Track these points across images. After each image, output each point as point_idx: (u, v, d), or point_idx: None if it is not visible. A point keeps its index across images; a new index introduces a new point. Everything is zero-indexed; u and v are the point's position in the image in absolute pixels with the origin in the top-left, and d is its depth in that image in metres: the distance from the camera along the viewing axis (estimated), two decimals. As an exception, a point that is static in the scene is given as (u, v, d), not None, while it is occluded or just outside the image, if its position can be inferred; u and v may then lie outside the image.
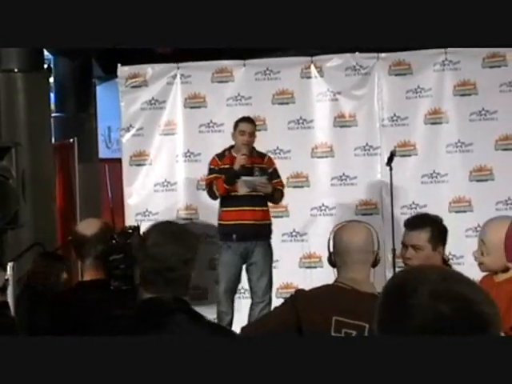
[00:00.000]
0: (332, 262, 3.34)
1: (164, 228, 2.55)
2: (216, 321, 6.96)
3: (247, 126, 6.77)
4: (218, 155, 6.86)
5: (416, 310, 1.29)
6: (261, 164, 6.79)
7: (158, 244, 2.42)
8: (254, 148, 6.86)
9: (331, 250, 3.34)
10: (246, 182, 6.60)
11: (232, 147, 6.83)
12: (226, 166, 6.70)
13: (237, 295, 7.03)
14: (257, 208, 6.71)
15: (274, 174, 6.83)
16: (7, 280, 4.02)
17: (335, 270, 3.35)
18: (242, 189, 6.61)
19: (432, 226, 3.62)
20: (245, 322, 7.10)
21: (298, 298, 3.30)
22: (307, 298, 3.31)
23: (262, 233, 6.73)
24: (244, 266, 6.81)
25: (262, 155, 6.89)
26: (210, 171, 6.81)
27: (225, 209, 6.78)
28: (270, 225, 6.84)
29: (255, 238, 6.70)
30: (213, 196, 6.78)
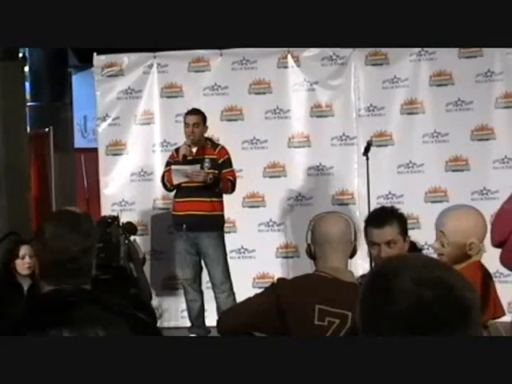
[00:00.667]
0: (310, 254, 3.32)
1: (60, 218, 2.51)
2: (186, 310, 6.98)
3: (190, 117, 6.86)
4: (176, 149, 6.97)
5: (399, 295, 1.30)
6: (212, 155, 6.81)
7: (57, 235, 2.37)
8: (208, 139, 6.93)
9: (309, 241, 3.32)
10: (178, 170, 6.69)
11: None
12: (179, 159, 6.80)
13: (205, 286, 7.04)
14: (206, 199, 6.75)
15: (226, 164, 6.84)
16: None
17: (312, 261, 3.35)
18: (175, 178, 6.69)
19: (398, 218, 3.58)
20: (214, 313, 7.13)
21: (280, 287, 3.28)
22: (289, 286, 3.30)
23: (210, 224, 6.75)
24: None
25: (215, 146, 6.91)
26: (167, 164, 6.93)
27: (176, 200, 6.89)
28: (220, 216, 6.86)
29: (204, 228, 6.73)
30: (166, 188, 6.93)
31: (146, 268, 6.63)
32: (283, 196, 7.65)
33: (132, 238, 5.32)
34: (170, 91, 7.75)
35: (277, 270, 7.48)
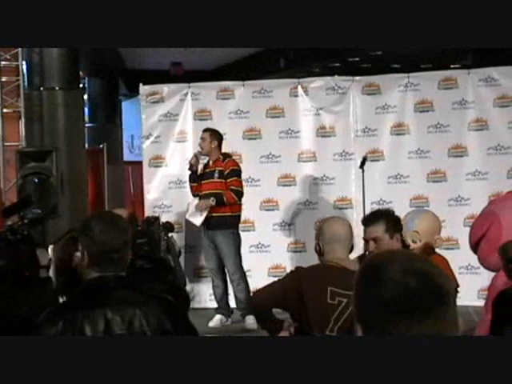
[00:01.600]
0: (319, 250, 3.35)
1: (104, 217, 2.52)
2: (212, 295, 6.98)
3: (203, 134, 6.88)
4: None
5: (390, 284, 1.30)
6: (220, 167, 6.77)
7: (103, 231, 2.38)
8: (222, 154, 6.84)
9: (319, 239, 3.35)
10: (191, 215, 6.76)
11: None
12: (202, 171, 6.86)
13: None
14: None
15: (230, 174, 6.74)
16: (50, 260, 4.01)
17: (320, 256, 3.38)
18: (197, 221, 6.72)
19: (385, 219, 3.52)
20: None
21: (300, 273, 3.35)
22: (307, 272, 3.36)
23: (221, 224, 6.68)
24: None
25: (224, 159, 6.82)
26: (192, 173, 6.94)
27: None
28: (234, 217, 6.75)
29: (215, 228, 6.69)
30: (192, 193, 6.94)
31: (181, 259, 6.66)
32: (293, 201, 7.65)
33: (170, 234, 5.33)
34: (201, 115, 7.76)
35: (288, 262, 7.48)
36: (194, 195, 6.88)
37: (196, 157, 6.82)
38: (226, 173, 6.72)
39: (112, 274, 2.35)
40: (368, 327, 1.33)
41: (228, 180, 6.69)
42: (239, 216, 6.86)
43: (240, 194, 6.73)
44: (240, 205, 6.82)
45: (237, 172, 6.78)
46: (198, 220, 6.71)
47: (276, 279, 6.96)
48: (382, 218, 3.53)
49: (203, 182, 6.75)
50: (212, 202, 6.61)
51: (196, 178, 6.80)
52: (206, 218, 6.66)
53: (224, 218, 6.69)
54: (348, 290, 3.11)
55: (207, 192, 6.68)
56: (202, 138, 6.83)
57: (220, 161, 6.79)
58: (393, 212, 3.70)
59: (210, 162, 6.81)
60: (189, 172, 6.96)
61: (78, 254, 5.00)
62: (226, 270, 6.83)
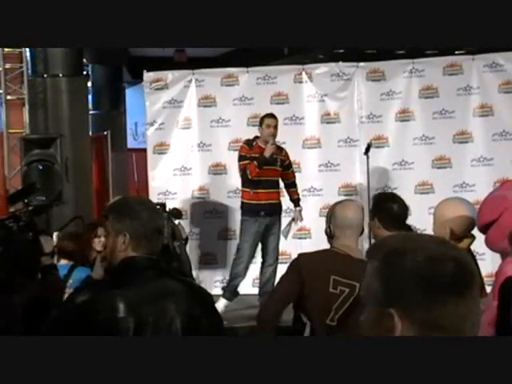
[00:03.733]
0: (330, 233, 3.32)
1: (142, 201, 2.56)
2: (228, 279, 6.94)
3: (272, 120, 6.67)
4: (247, 144, 6.70)
5: (431, 264, 1.27)
6: (280, 155, 6.72)
7: (148, 213, 2.40)
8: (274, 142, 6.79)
9: (331, 223, 3.32)
10: (285, 231, 6.82)
11: (257, 138, 6.72)
12: (256, 155, 6.57)
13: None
14: (277, 190, 6.73)
15: (290, 166, 6.81)
16: (54, 247, 4.01)
17: (330, 239, 3.35)
18: (286, 233, 6.79)
19: (373, 202, 3.72)
20: (249, 284, 7.10)
21: (301, 261, 3.31)
22: (309, 259, 3.31)
23: (280, 209, 6.75)
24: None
25: (280, 148, 6.80)
26: (242, 158, 6.65)
27: (256, 190, 6.63)
28: (281, 203, 6.85)
29: (276, 213, 6.69)
30: (246, 178, 6.63)
31: (186, 246, 6.65)
32: (299, 188, 7.64)
33: (177, 221, 5.32)
34: (206, 101, 7.74)
35: (292, 248, 7.46)
36: (251, 180, 6.62)
37: (275, 145, 6.63)
38: (285, 163, 6.75)
39: (147, 256, 2.37)
40: (405, 313, 1.27)
41: (289, 171, 6.79)
42: None
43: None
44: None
45: (292, 164, 6.88)
46: (289, 233, 6.88)
47: (280, 266, 7.02)
48: (373, 200, 3.75)
49: (264, 167, 6.56)
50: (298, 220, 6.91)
51: (264, 161, 6.52)
52: (268, 205, 6.63)
53: (279, 204, 6.75)
54: (351, 279, 3.14)
55: (271, 178, 6.63)
56: (275, 126, 6.65)
57: (277, 148, 6.69)
58: (383, 197, 3.84)
59: (269, 151, 6.54)
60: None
61: (97, 240, 5.02)
62: (266, 256, 6.76)
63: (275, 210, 6.67)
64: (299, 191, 7.19)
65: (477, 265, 1.48)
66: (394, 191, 7.32)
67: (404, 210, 3.70)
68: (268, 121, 6.66)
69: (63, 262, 4.94)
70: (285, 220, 6.99)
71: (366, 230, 3.69)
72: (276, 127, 6.66)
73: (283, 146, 7.40)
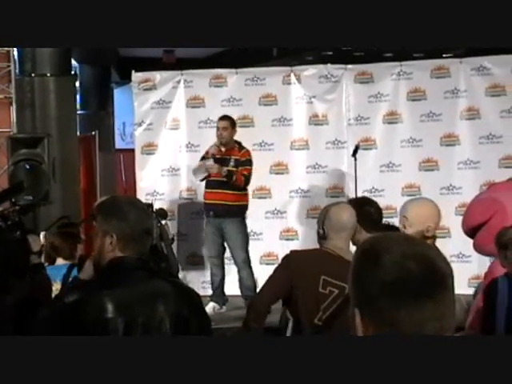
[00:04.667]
0: (324, 235, 3.33)
1: (131, 201, 2.54)
2: (210, 282, 6.99)
3: (220, 122, 6.81)
4: (209, 147, 6.88)
5: (390, 267, 1.28)
6: (236, 155, 6.75)
7: (136, 214, 2.39)
8: (237, 142, 6.83)
9: (325, 225, 3.32)
10: (196, 170, 6.72)
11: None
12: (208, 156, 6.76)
13: (227, 261, 7.03)
14: (228, 191, 6.67)
15: (245, 162, 6.75)
16: (42, 246, 4.00)
17: (321, 240, 3.35)
18: (197, 176, 6.70)
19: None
20: (235, 285, 7.11)
21: (292, 257, 3.34)
22: (300, 258, 3.34)
23: (232, 212, 6.69)
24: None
25: (241, 148, 6.82)
26: (200, 160, 6.88)
27: (206, 190, 6.84)
28: (242, 206, 6.79)
29: (226, 215, 6.68)
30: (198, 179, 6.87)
31: (174, 247, 6.64)
32: (286, 189, 7.65)
33: (163, 222, 5.31)
34: (194, 102, 7.74)
35: (279, 249, 7.47)
36: (203, 180, 6.78)
37: (218, 147, 6.72)
38: (241, 161, 6.73)
39: (136, 257, 2.37)
40: (366, 313, 1.30)
41: (240, 168, 6.71)
42: (247, 206, 6.87)
43: (248, 182, 6.76)
44: (247, 194, 6.86)
45: (251, 162, 6.80)
46: (199, 176, 6.69)
47: (267, 267, 7.03)
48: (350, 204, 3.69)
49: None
50: (224, 172, 6.57)
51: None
52: (215, 205, 6.64)
53: (233, 206, 6.70)
54: (341, 280, 3.16)
55: (219, 179, 6.63)
56: (224, 128, 6.75)
57: (236, 149, 6.76)
58: (361, 201, 3.87)
59: (223, 149, 6.73)
60: (198, 158, 6.93)
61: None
62: (227, 258, 6.81)
63: (224, 211, 6.64)
64: (287, 192, 7.21)
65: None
66: (382, 193, 7.37)
67: (380, 211, 3.82)
68: (218, 123, 6.86)
69: (60, 261, 4.91)
70: (277, 220, 7.00)
71: None
72: (225, 129, 6.75)
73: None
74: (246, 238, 6.84)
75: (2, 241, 3.29)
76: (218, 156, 6.71)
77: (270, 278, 3.39)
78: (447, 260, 1.33)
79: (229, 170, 6.63)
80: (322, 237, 3.34)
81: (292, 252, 3.41)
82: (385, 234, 1.42)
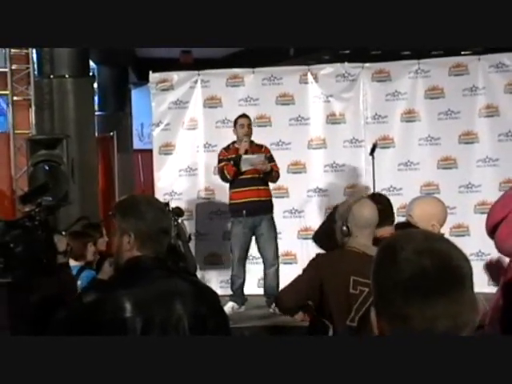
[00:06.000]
0: (348, 232, 3.29)
1: (149, 200, 2.53)
2: (229, 283, 6.96)
3: (244, 120, 6.75)
4: (224, 148, 6.83)
5: (403, 264, 1.27)
6: (259, 152, 6.72)
7: (154, 213, 2.39)
8: (252, 141, 6.80)
9: (349, 222, 3.29)
10: (247, 159, 6.56)
11: (234, 142, 6.79)
12: (233, 156, 6.67)
13: (247, 261, 7.00)
14: (260, 187, 6.65)
15: (271, 158, 6.75)
16: (68, 245, 4.03)
17: (343, 237, 3.32)
18: (244, 166, 6.55)
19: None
20: (254, 284, 7.11)
21: (320, 261, 3.31)
22: (327, 260, 3.31)
23: (266, 208, 6.67)
24: (254, 238, 6.76)
25: (260, 146, 6.81)
26: (220, 161, 6.77)
27: (234, 190, 6.71)
28: (271, 201, 6.77)
29: (260, 212, 6.65)
30: (225, 179, 6.73)
31: (192, 246, 6.65)
32: (304, 188, 7.63)
33: (180, 220, 5.31)
34: (212, 102, 7.75)
35: (298, 249, 7.47)
36: (230, 180, 6.67)
37: (246, 143, 6.63)
38: (267, 157, 6.69)
39: (153, 256, 2.37)
40: (381, 310, 1.30)
41: (271, 164, 6.66)
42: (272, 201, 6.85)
43: (278, 178, 6.77)
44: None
45: (274, 158, 6.78)
46: (245, 167, 6.55)
47: (285, 267, 7.01)
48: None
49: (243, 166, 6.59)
50: (268, 168, 6.54)
51: (239, 158, 6.57)
52: (249, 203, 6.56)
53: (267, 202, 6.66)
54: (369, 278, 3.14)
55: (249, 176, 6.59)
56: (248, 124, 6.70)
57: (254, 146, 6.72)
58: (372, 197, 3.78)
59: (242, 148, 6.63)
60: (216, 157, 6.84)
61: (102, 240, 5.01)
62: (264, 257, 6.70)
63: (256, 208, 6.59)
64: (305, 191, 7.19)
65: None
66: (400, 192, 7.33)
67: (389, 207, 3.74)
68: (241, 120, 6.75)
69: (72, 262, 4.94)
70: (295, 220, 6.96)
71: None
72: (249, 126, 6.71)
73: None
74: (276, 234, 6.77)
75: (30, 240, 3.31)
76: (250, 153, 6.63)
77: (300, 276, 3.35)
78: (467, 257, 1.31)
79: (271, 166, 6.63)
80: (345, 234, 3.30)
81: (317, 256, 3.38)
82: (406, 231, 1.41)
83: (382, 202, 3.62)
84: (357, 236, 3.27)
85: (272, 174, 6.65)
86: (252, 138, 6.88)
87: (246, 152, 6.61)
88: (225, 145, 7.06)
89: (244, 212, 6.60)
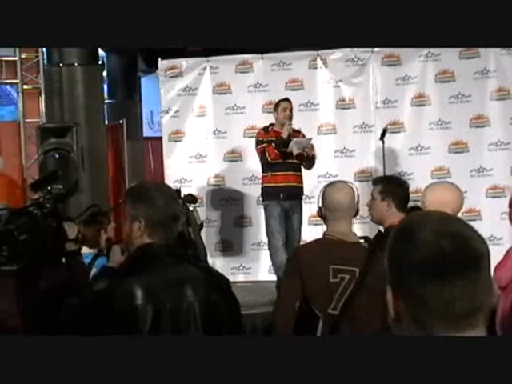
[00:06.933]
0: (321, 215, 3.31)
1: (160, 187, 2.52)
2: (273, 271, 6.77)
3: (287, 103, 6.63)
4: (263, 129, 6.67)
5: (420, 245, 1.26)
6: (298, 137, 6.62)
7: (164, 200, 2.37)
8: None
9: (321, 205, 3.31)
10: (298, 142, 6.44)
11: (272, 124, 6.67)
12: (273, 138, 6.52)
13: (260, 247, 6.96)
14: (297, 173, 6.59)
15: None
16: (79, 232, 4.03)
17: (324, 220, 3.33)
18: (294, 149, 6.41)
19: (383, 183, 3.67)
20: (265, 270, 7.06)
21: (297, 255, 3.35)
22: (305, 252, 3.33)
23: (300, 193, 6.63)
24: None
25: (297, 131, 6.70)
26: (259, 142, 6.58)
27: (271, 173, 6.54)
28: (303, 187, 6.72)
29: (295, 197, 6.58)
30: (265, 161, 6.54)
31: (202, 233, 6.62)
32: (314, 174, 7.58)
33: (192, 207, 5.29)
34: (221, 89, 7.71)
35: (308, 235, 7.42)
36: (271, 162, 6.52)
37: (289, 126, 6.52)
38: None
39: (164, 243, 2.35)
40: (397, 290, 1.29)
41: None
42: None
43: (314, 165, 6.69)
44: None
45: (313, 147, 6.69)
46: (296, 150, 6.42)
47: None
48: (382, 181, 3.74)
49: (283, 149, 6.46)
50: (313, 150, 6.48)
51: (283, 144, 6.43)
52: (287, 187, 6.48)
53: (301, 188, 6.62)
54: (349, 265, 3.15)
55: (291, 161, 6.50)
56: (291, 109, 6.59)
57: (294, 132, 6.62)
58: (394, 180, 3.85)
59: (286, 131, 6.48)
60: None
61: (110, 226, 5.00)
62: (256, 244, 6.69)
63: (294, 193, 6.54)
64: (315, 177, 7.14)
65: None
66: (411, 177, 7.27)
67: (407, 191, 3.76)
68: (284, 104, 6.62)
69: (85, 250, 4.93)
70: (306, 206, 6.91)
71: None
72: (291, 110, 6.61)
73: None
74: (302, 221, 6.72)
75: (35, 228, 3.30)
76: (280, 138, 6.51)
77: (283, 286, 3.38)
78: (484, 240, 1.29)
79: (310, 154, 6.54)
80: (321, 217, 3.32)
81: (297, 248, 3.42)
82: (423, 212, 1.39)
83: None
84: (330, 221, 3.26)
85: (314, 161, 6.60)
86: (260, 125, 6.83)
87: (290, 136, 6.50)
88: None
89: (281, 195, 6.49)
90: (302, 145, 6.47)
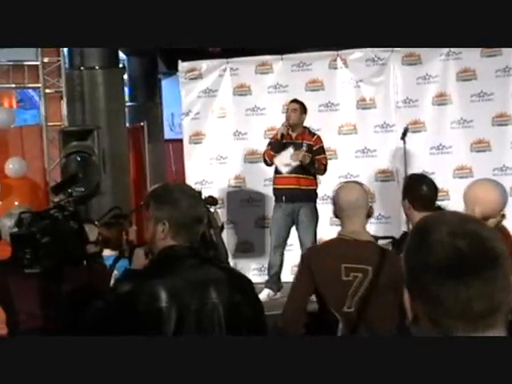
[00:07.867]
0: (336, 215, 3.35)
1: (183, 189, 2.52)
2: (266, 271, 6.91)
3: (291, 104, 6.73)
4: (277, 131, 6.77)
5: (438, 246, 1.25)
6: (309, 141, 6.66)
7: (188, 201, 2.36)
8: (307, 128, 6.74)
9: (335, 204, 3.35)
10: (292, 156, 6.52)
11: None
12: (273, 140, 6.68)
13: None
14: (301, 176, 6.59)
15: (320, 150, 6.69)
16: (99, 235, 4.03)
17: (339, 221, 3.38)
18: (291, 161, 6.51)
19: (404, 183, 3.83)
20: (288, 271, 7.05)
21: (309, 257, 3.37)
22: (316, 252, 3.39)
23: (305, 196, 6.62)
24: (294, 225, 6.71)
25: (312, 134, 6.74)
26: (269, 144, 6.77)
27: (277, 175, 6.70)
28: (314, 190, 6.71)
29: (299, 200, 6.59)
30: (267, 164, 6.76)
31: (224, 235, 6.62)
32: (335, 174, 7.54)
33: (213, 209, 5.28)
34: (241, 90, 7.70)
35: (329, 235, 7.38)
36: (271, 164, 6.68)
37: (287, 128, 6.61)
38: (315, 148, 6.64)
39: (187, 245, 2.34)
40: (415, 291, 1.28)
41: (318, 156, 6.62)
42: (316, 191, 6.79)
43: (326, 170, 6.71)
44: (316, 179, 6.77)
45: (324, 149, 6.74)
46: (285, 169, 6.55)
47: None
48: (404, 181, 3.94)
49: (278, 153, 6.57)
50: (308, 158, 6.50)
51: (279, 146, 6.56)
52: (288, 190, 6.56)
53: (306, 190, 6.63)
54: (362, 263, 3.18)
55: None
56: (293, 109, 6.66)
57: (306, 134, 6.68)
58: (414, 179, 3.96)
59: (293, 134, 6.64)
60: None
61: (131, 229, 5.01)
62: (302, 244, 6.66)
63: (297, 195, 6.56)
64: (336, 178, 7.09)
65: None
66: (432, 176, 7.15)
67: (433, 191, 3.73)
68: (289, 105, 6.74)
69: (107, 252, 4.93)
70: (327, 207, 6.86)
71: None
72: (294, 111, 6.65)
73: (318, 132, 7.32)
74: (317, 224, 6.71)
75: (57, 231, 3.31)
76: (288, 140, 6.60)
77: (293, 287, 3.38)
78: (503, 241, 1.28)
79: (311, 159, 6.56)
80: (336, 216, 3.36)
81: (308, 250, 3.44)
82: (440, 212, 1.38)
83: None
84: (343, 221, 3.29)
85: (315, 166, 6.59)
86: (279, 125, 6.81)
87: (283, 137, 6.56)
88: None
89: (283, 198, 6.59)
90: (297, 157, 6.52)
